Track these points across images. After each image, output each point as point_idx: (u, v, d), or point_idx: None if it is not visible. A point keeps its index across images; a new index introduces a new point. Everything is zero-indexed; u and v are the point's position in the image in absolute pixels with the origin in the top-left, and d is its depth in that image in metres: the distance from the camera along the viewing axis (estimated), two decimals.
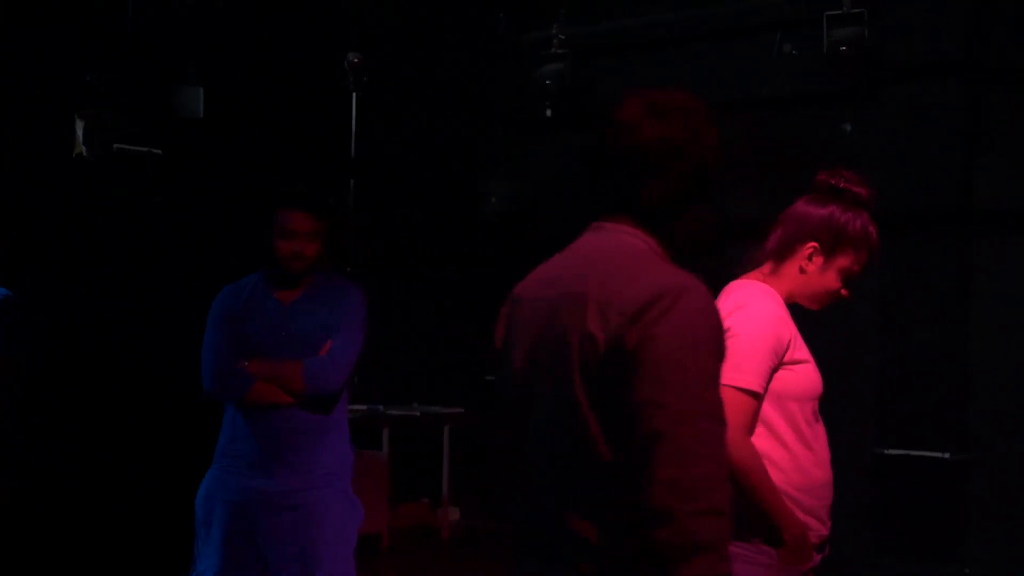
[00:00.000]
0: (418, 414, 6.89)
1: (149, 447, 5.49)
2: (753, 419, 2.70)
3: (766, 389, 2.72)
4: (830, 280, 2.90)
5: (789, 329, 2.80)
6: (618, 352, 1.71)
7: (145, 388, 5.51)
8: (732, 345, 2.62)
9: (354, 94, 6.00)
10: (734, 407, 2.58)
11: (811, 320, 3.10)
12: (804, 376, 2.82)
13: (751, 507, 2.64)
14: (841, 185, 2.97)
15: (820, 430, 2.86)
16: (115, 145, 5.22)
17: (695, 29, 6.47)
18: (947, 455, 5.55)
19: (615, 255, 1.84)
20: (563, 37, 6.62)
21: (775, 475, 2.71)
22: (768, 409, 2.74)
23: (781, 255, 2.94)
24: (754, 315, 2.76)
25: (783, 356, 2.76)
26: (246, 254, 5.37)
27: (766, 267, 2.98)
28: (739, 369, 2.66)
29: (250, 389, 3.50)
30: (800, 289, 2.91)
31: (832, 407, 3.07)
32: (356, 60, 5.94)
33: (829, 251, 2.89)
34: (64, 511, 5.23)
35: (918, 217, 5.55)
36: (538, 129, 7.20)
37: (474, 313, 7.85)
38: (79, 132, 5.14)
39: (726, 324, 2.66)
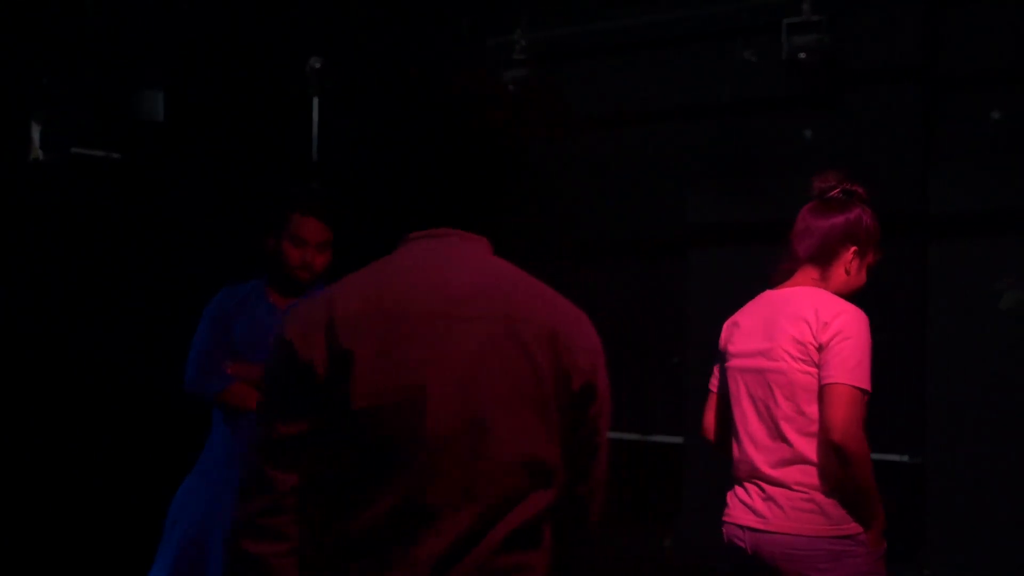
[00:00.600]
0: None
1: (101, 456, 5.43)
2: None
3: None
4: (863, 277, 3.20)
5: None
6: (589, 394, 1.72)
7: (102, 394, 5.46)
8: (849, 347, 2.85)
9: (316, 98, 5.97)
10: (859, 406, 2.88)
11: None
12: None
13: (859, 497, 2.86)
14: (851, 188, 3.21)
15: None
16: (72, 149, 5.18)
17: (656, 34, 6.49)
18: (905, 458, 5.61)
19: (521, 279, 1.77)
20: (525, 43, 6.62)
21: None
22: None
23: (824, 261, 3.18)
24: (858, 319, 3.00)
25: None
26: (206, 258, 5.34)
27: (813, 273, 3.20)
28: (859, 370, 2.89)
29: (225, 390, 3.46)
30: (843, 290, 3.20)
31: None
32: (318, 64, 5.91)
33: (863, 252, 3.16)
34: (32, 519, 5.17)
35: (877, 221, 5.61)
36: None
37: None
38: (35, 136, 5.08)
39: (836, 327, 2.88)
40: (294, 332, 1.67)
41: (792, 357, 2.98)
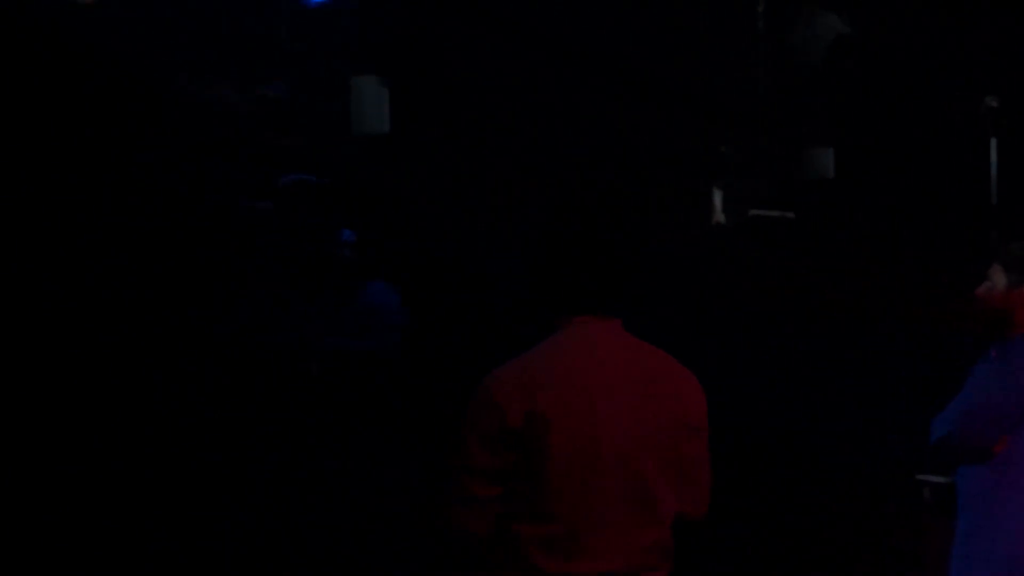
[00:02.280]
0: None
1: None
2: None
3: None
4: None
5: None
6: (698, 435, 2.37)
7: None
8: None
9: (993, 139, 5.65)
10: None
11: None
12: None
13: None
14: None
15: None
16: (750, 211, 5.40)
17: None
18: None
19: (650, 350, 2.37)
20: None
21: None
22: None
23: None
24: None
25: None
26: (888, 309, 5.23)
27: None
28: None
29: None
30: None
31: None
32: (994, 104, 5.60)
33: None
34: None
35: None
36: None
37: None
38: (717, 201, 5.37)
39: None
40: (500, 390, 2.17)
41: None
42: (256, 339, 4.31)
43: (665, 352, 2.31)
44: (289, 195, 4.30)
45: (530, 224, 2.49)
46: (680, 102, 5.67)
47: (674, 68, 5.55)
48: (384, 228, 4.72)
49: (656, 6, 5.42)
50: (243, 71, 4.98)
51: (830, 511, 4.90)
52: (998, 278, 3.47)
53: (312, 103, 5.06)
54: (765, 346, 5.61)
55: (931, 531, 4.02)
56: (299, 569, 4.13)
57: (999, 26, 6.14)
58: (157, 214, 4.19)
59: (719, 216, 5.37)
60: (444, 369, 4.68)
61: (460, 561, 2.32)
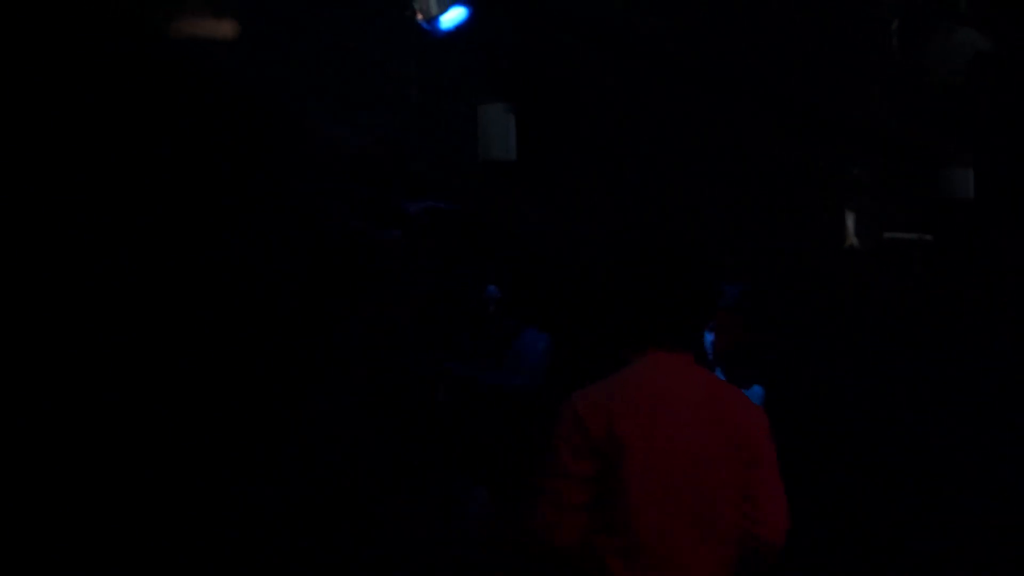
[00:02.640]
0: None
1: None
2: None
3: None
4: None
5: None
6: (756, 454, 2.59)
7: None
8: None
9: None
10: None
11: None
12: None
13: None
14: None
15: None
16: (885, 234, 5.25)
17: None
18: None
19: (716, 382, 2.66)
20: None
21: None
22: None
23: None
24: None
25: None
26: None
27: None
28: None
29: None
30: None
31: None
32: None
33: None
34: None
35: None
36: None
37: None
38: (850, 224, 5.25)
39: None
40: (584, 408, 2.41)
41: None
42: (387, 361, 4.37)
43: (731, 384, 2.56)
44: (418, 223, 4.32)
45: (624, 258, 2.57)
46: (811, 122, 5.55)
47: (805, 88, 5.44)
48: (517, 265, 4.72)
49: (787, 25, 5.32)
50: (371, 103, 5.05)
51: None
52: None
53: (439, 131, 5.11)
54: (904, 374, 5.44)
55: None
56: None
57: None
58: (294, 242, 4.27)
59: (852, 239, 5.23)
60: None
61: (546, 571, 2.50)
